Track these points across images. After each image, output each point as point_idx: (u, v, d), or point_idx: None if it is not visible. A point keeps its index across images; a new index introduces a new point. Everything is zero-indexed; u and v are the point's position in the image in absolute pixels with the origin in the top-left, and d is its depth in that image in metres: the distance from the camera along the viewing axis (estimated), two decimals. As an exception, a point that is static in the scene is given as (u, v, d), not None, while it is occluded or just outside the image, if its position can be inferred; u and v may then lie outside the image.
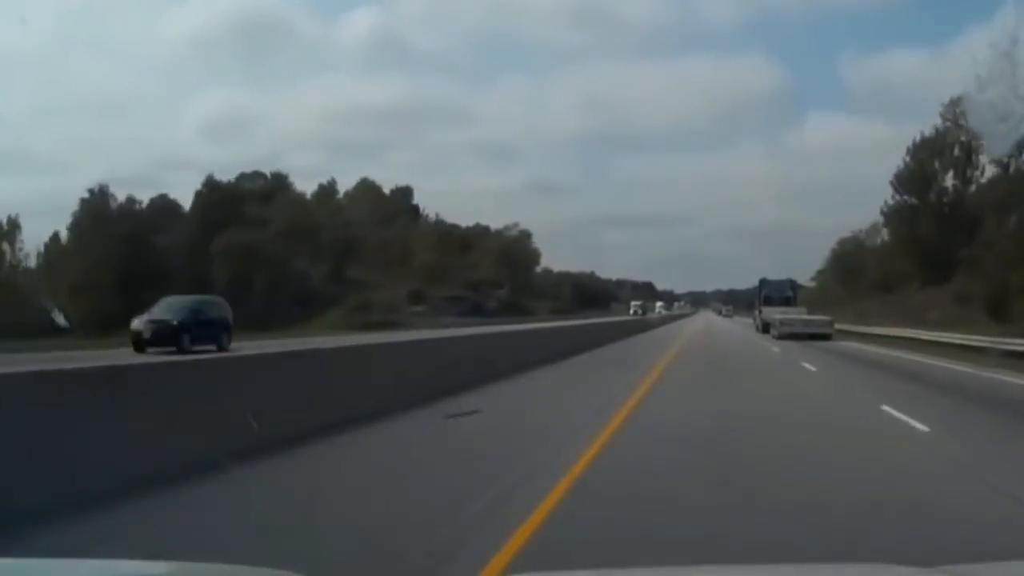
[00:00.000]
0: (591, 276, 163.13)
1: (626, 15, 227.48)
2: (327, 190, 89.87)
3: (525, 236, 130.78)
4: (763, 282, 50.40)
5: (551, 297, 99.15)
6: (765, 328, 41.93)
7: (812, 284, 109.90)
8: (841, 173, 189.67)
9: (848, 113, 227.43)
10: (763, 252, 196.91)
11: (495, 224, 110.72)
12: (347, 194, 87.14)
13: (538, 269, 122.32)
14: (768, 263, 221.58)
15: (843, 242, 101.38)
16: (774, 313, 41.61)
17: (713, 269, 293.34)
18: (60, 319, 29.59)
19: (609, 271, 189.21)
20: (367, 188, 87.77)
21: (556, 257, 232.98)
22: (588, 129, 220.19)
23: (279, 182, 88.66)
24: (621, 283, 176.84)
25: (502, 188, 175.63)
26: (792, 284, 52.42)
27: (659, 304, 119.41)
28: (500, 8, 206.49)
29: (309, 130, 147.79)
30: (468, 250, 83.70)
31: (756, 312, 50.12)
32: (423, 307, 52.23)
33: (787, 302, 46.10)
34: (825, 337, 35.84)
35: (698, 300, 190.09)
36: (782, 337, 35.89)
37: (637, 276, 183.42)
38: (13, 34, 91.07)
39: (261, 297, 45.33)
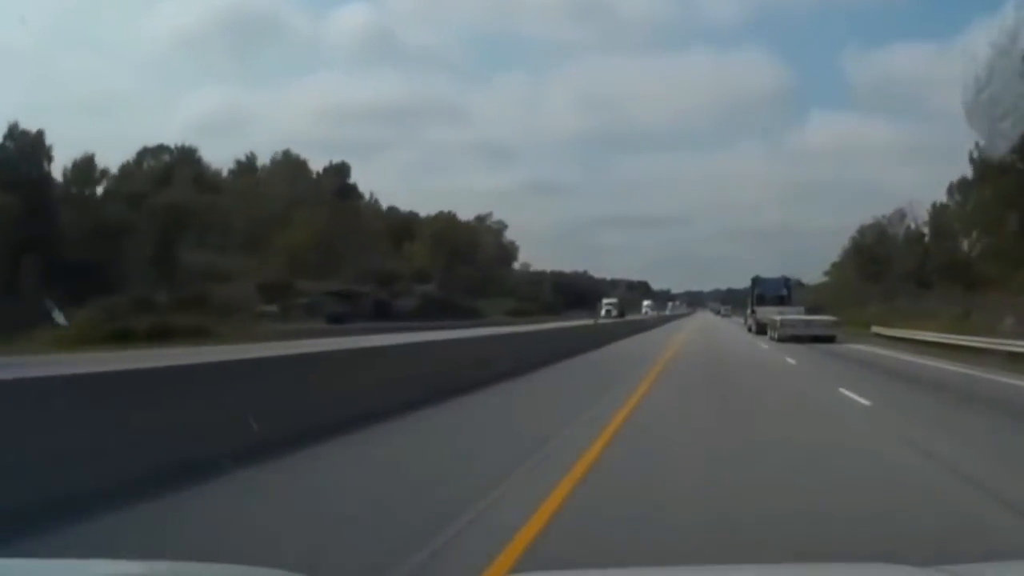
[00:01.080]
0: (584, 275, 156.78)
1: (625, 10, 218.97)
2: (245, 167, 75.25)
3: (499, 228, 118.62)
4: (756, 280, 47.27)
5: (517, 297, 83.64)
6: (760, 329, 38.91)
7: (826, 279, 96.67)
8: (843, 172, 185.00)
9: (850, 111, 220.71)
10: (762, 252, 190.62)
11: (466, 215, 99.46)
12: (264, 169, 72.20)
13: (516, 265, 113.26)
14: (767, 263, 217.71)
15: (864, 230, 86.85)
16: (771, 313, 38.28)
17: (711, 269, 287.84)
18: (60, 318, 26.92)
19: (606, 271, 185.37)
20: (288, 163, 72.46)
21: (553, 257, 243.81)
22: (586, 128, 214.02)
23: (186, 156, 74.83)
24: (615, 283, 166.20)
25: (498, 188, 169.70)
26: (787, 282, 48.92)
27: (646, 304, 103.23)
28: (496, 2, 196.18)
29: (301, 128, 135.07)
30: (410, 239, 68.55)
31: (748, 312, 46.74)
32: (275, 306, 36.94)
33: (781, 301, 42.95)
34: (829, 339, 32.26)
35: (695, 300, 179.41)
36: (783, 340, 31.93)
37: (634, 276, 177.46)
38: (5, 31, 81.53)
39: (34, 289, 30.26)
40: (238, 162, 75.22)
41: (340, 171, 78.99)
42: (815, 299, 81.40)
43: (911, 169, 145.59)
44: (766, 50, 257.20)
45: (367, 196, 79.54)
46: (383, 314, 40.84)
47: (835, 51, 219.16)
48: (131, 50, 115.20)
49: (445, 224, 69.60)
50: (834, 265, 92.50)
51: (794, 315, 36.65)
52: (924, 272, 71.97)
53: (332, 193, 72.83)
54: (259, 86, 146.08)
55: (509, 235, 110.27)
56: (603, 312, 71.86)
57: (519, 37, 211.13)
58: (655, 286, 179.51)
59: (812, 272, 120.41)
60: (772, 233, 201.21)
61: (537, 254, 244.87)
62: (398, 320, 39.14)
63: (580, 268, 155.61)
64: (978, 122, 26.54)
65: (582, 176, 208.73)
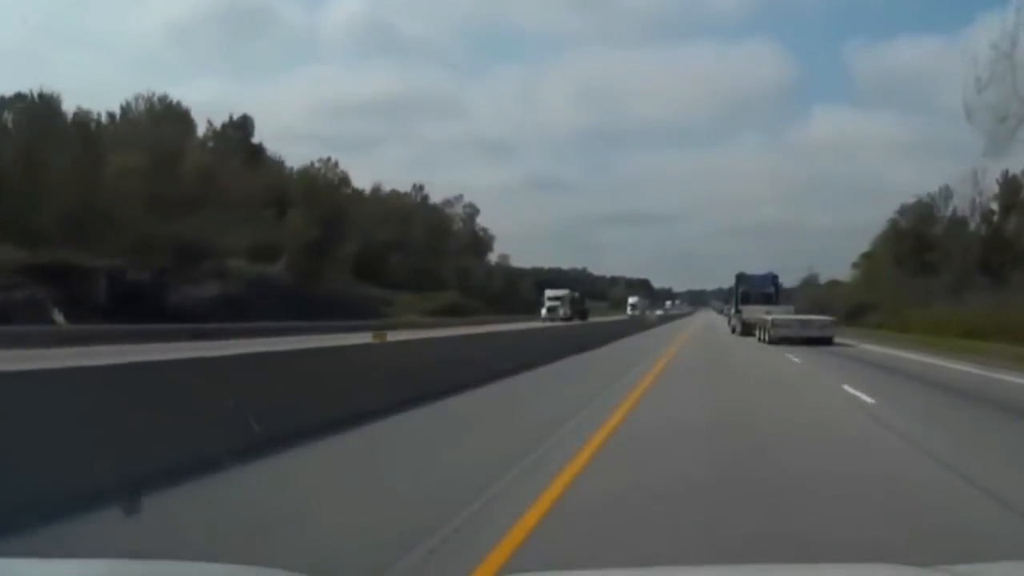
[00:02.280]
0: (583, 272, 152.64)
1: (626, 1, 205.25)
2: (119, 119, 59.18)
3: (470, 212, 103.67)
4: (740, 277, 44.63)
5: (468, 292, 66.78)
6: (745, 330, 35.90)
7: (854, 273, 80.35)
8: (849, 168, 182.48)
9: (856, 106, 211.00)
10: (767, 249, 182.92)
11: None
12: (133, 118, 56.01)
13: (493, 257, 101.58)
14: (772, 260, 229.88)
15: (906, 211, 69.72)
16: (758, 312, 35.26)
17: (714, 267, 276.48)
18: (59, 318, 23.74)
19: (606, 269, 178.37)
20: (164, 111, 56.05)
21: (552, 253, 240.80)
22: (586, 123, 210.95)
23: (47, 104, 59.14)
24: (615, 280, 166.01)
25: (497, 184, 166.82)
26: (774, 279, 45.29)
27: (632, 300, 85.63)
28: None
29: (295, 123, 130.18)
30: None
31: (732, 311, 45.17)
32: None
33: (768, 299, 39.89)
34: (826, 341, 28.77)
35: (697, 299, 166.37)
36: (774, 341, 28.80)
37: (636, 274, 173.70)
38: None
39: None
40: (109, 113, 59.44)
41: (242, 127, 62.63)
42: (848, 299, 65.48)
43: (919, 165, 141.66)
44: (771, 43, 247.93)
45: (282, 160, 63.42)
46: (133, 307, 23.95)
47: (840, 44, 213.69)
48: (121, 42, 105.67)
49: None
50: (865, 256, 75.35)
51: (785, 315, 33.88)
52: (992, 258, 55.34)
53: (224, 151, 56.44)
54: (250, 79, 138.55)
55: (497, 232, 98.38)
56: (545, 311, 53.64)
57: (516, 28, 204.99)
58: (656, 284, 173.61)
59: (830, 267, 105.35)
60: (777, 230, 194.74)
61: (536, 250, 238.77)
62: (165, 320, 22.68)
63: (580, 265, 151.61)
64: (978, 123, 25.61)
65: (582, 172, 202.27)
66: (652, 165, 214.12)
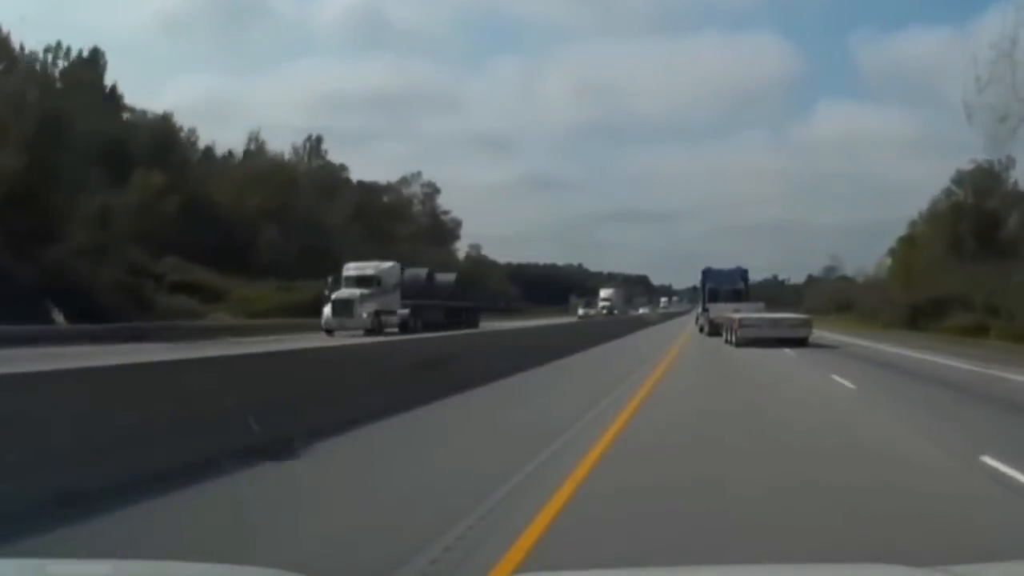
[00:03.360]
0: (578, 269, 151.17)
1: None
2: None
3: (430, 192, 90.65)
4: (707, 273, 41.37)
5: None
6: (713, 330, 33.85)
7: (884, 263, 67.37)
8: (855, 166, 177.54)
9: (860, 101, 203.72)
10: (769, 248, 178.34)
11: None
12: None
13: (464, 248, 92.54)
14: (774, 258, 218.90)
15: (963, 179, 55.18)
16: (726, 311, 33.16)
17: (715, 265, 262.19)
18: (59, 318, 23.41)
19: (605, 266, 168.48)
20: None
21: (552, 252, 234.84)
22: (586, 118, 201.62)
23: None
24: (612, 276, 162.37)
25: (496, 181, 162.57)
26: (743, 274, 41.63)
27: (604, 293, 70.60)
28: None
29: (289, 118, 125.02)
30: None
31: (699, 310, 42.67)
32: None
33: (737, 296, 38.26)
34: (800, 342, 26.64)
35: (697, 297, 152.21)
36: (742, 344, 26.56)
37: (635, 271, 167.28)
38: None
39: None
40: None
41: (92, 63, 47.94)
42: (884, 294, 51.64)
43: (926, 162, 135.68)
44: (775, 35, 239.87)
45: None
46: None
47: (846, 37, 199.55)
48: (112, 34, 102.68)
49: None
50: (904, 241, 60.54)
51: (754, 313, 31.72)
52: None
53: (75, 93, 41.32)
54: (243, 73, 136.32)
55: (496, 229, 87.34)
56: (328, 311, 29.20)
57: (515, 19, 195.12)
58: (656, 281, 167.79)
59: (856, 260, 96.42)
60: (780, 228, 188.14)
61: (535, 247, 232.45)
62: None
63: (576, 262, 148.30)
64: (979, 123, 26.79)
65: (582, 169, 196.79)
66: (653, 161, 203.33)
